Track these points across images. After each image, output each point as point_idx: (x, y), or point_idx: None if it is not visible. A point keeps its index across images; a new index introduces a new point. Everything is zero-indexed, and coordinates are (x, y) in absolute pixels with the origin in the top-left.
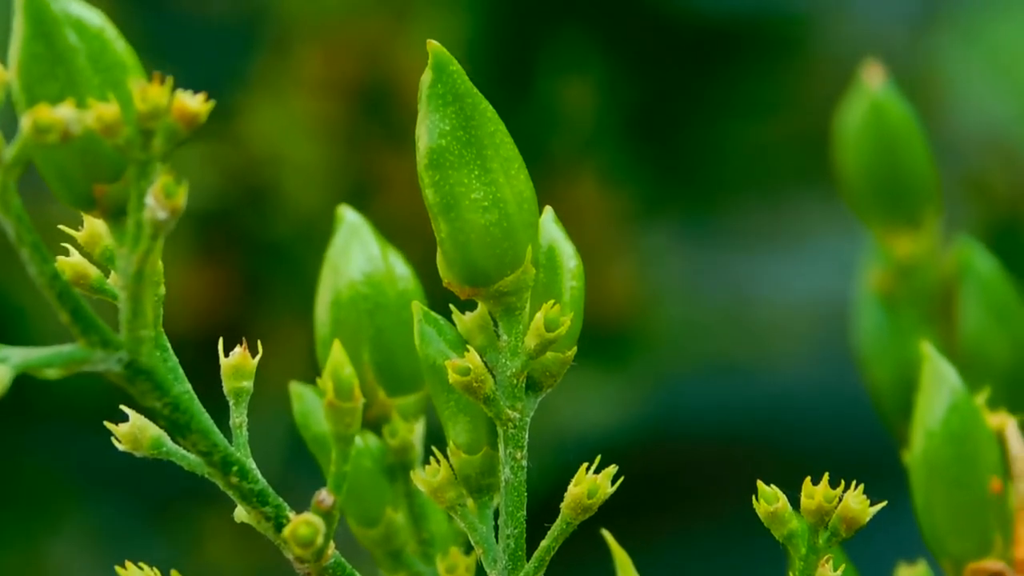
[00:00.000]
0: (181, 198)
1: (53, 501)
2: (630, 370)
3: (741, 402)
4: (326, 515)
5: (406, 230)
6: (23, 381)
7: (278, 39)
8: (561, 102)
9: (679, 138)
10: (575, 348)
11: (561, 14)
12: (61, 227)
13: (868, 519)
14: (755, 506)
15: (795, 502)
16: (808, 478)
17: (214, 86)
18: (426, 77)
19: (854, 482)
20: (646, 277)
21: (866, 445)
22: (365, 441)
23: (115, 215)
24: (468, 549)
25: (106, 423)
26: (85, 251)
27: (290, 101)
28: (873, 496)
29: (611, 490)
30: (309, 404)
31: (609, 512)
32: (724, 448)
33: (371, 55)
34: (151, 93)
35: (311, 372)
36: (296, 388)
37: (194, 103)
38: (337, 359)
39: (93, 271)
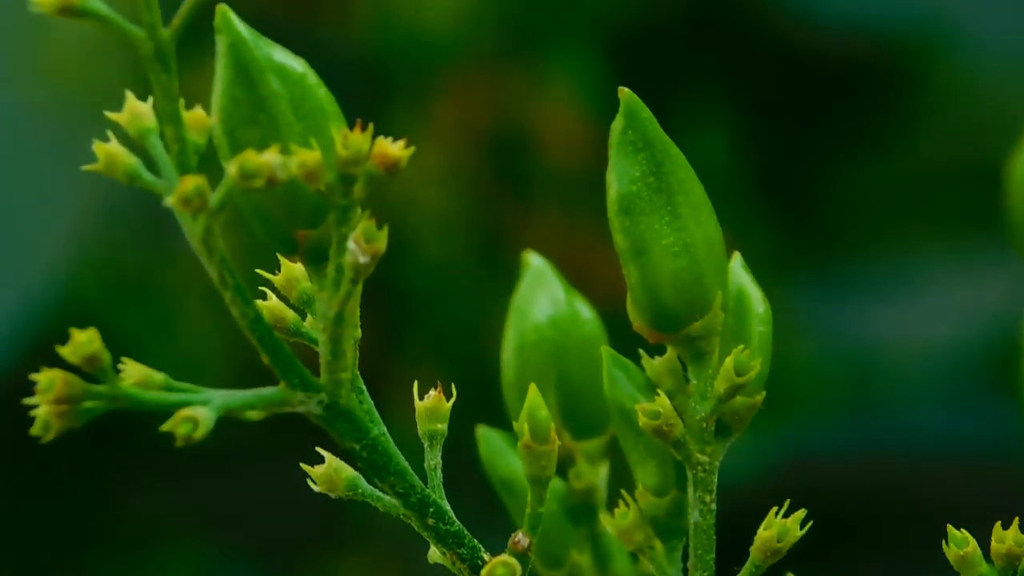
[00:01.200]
0: (382, 242)
1: (159, 543)
2: (761, 417)
3: (870, 447)
4: (521, 556)
5: None
6: (130, 419)
7: (412, 87)
8: (693, 155)
9: (808, 186)
10: (764, 392)
11: (691, 66)
12: (259, 271)
13: None
14: (944, 550)
15: (936, 546)
16: (998, 523)
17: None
18: (617, 123)
19: None
20: (776, 327)
21: (996, 487)
22: (551, 483)
23: (315, 259)
24: None
25: (302, 464)
26: (282, 295)
27: (424, 149)
28: None
29: (800, 533)
30: (495, 446)
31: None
32: (854, 494)
33: (504, 105)
34: (353, 139)
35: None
36: (482, 431)
37: (395, 149)
38: (533, 402)
39: (290, 314)
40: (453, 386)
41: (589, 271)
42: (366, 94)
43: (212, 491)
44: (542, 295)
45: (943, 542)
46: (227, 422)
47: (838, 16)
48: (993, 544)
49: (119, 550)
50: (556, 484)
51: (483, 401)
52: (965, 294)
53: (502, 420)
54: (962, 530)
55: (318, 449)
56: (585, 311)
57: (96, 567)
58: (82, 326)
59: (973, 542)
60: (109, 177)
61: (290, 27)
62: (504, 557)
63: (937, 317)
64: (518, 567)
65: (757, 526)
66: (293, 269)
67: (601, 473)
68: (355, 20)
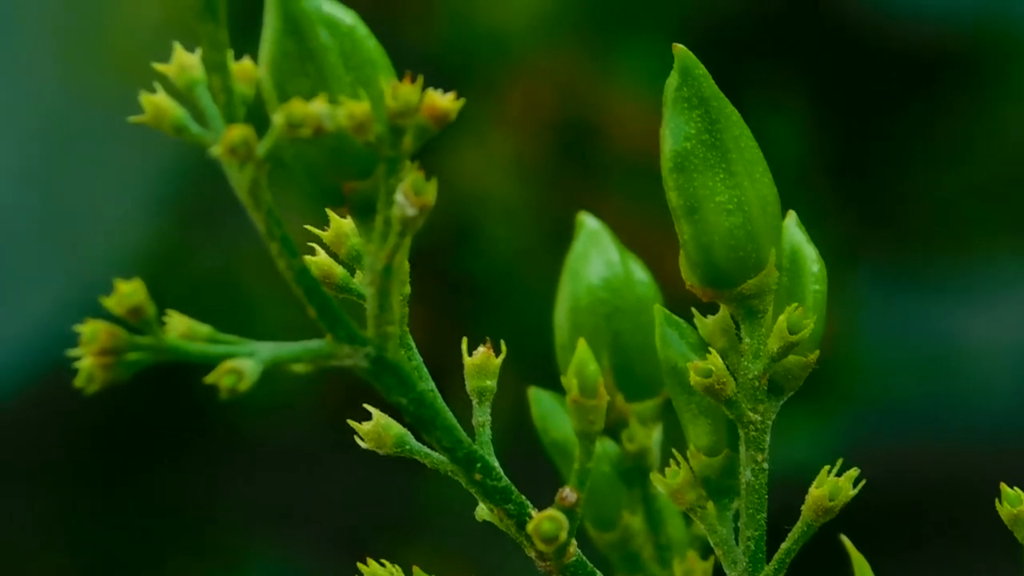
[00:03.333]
0: (431, 195)
1: (243, 537)
2: (830, 409)
3: (938, 442)
4: (569, 512)
5: None
6: (218, 416)
7: (484, 80)
8: (766, 143)
9: (881, 179)
10: (818, 351)
11: (764, 56)
12: (307, 227)
13: None
14: (998, 509)
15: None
16: None
17: None
18: (672, 80)
19: None
20: (846, 317)
21: None
22: (603, 446)
23: (363, 212)
24: (705, 554)
25: (349, 421)
26: (331, 250)
27: (491, 140)
28: None
29: (853, 492)
30: (547, 408)
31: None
32: (922, 488)
33: (572, 93)
34: (402, 91)
35: (510, 409)
36: (534, 392)
37: (444, 101)
38: (582, 357)
39: (339, 270)
40: (503, 343)
41: (658, 259)
42: (438, 87)
43: (291, 488)
44: (596, 257)
45: (995, 501)
46: (306, 417)
47: (916, 7)
48: None
49: (204, 550)
50: (609, 446)
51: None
52: None
53: None
54: (1015, 488)
55: (365, 406)
56: (639, 272)
57: (182, 566)
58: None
59: None
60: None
61: (371, 23)
62: (551, 511)
63: (1008, 316)
64: (565, 521)
65: None
66: (343, 225)
67: (654, 436)
68: (436, 18)
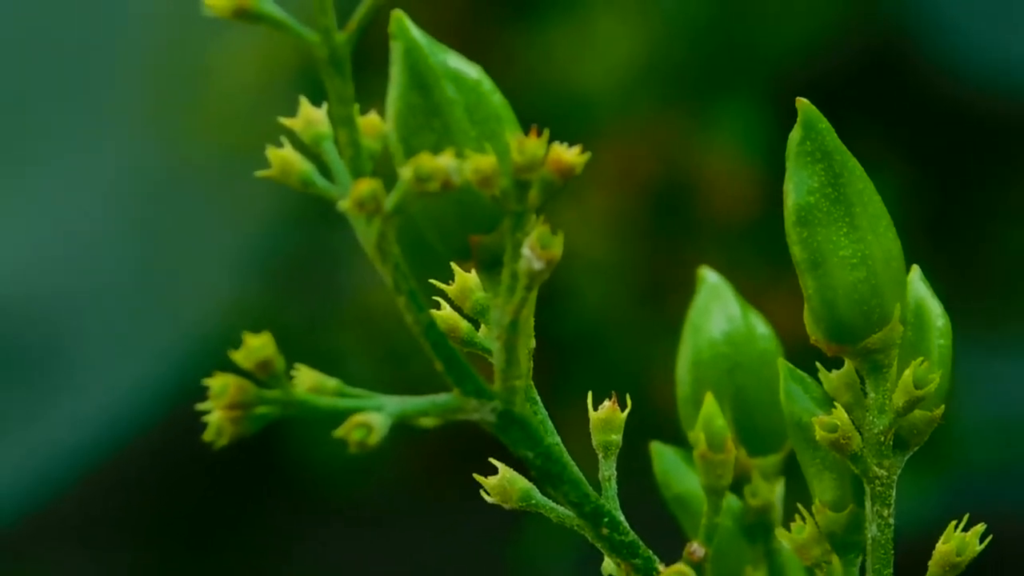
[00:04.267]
0: (558, 248)
1: None
2: (931, 467)
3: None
4: (697, 567)
5: None
6: (293, 474)
7: (575, 136)
8: None
9: (972, 242)
10: (943, 407)
11: (856, 118)
12: (432, 281)
13: None
14: None
15: None
16: None
17: None
18: (795, 134)
19: None
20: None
21: None
22: (726, 501)
23: (489, 266)
24: None
25: (475, 475)
26: (455, 304)
27: (586, 197)
28: None
29: (980, 548)
30: (669, 463)
31: None
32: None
33: (668, 152)
34: (528, 145)
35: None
36: (656, 447)
37: (570, 155)
38: (709, 411)
39: (464, 324)
40: (628, 397)
41: None
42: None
43: (371, 549)
44: (717, 311)
45: None
46: (390, 484)
47: (1004, 75)
48: None
49: None
50: (732, 502)
51: (647, 449)
52: None
53: None
54: None
55: (491, 460)
56: (761, 327)
57: None
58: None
59: None
60: (270, 231)
61: None
62: (680, 567)
63: None
64: None
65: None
66: (467, 279)
67: (777, 490)
68: (519, 74)
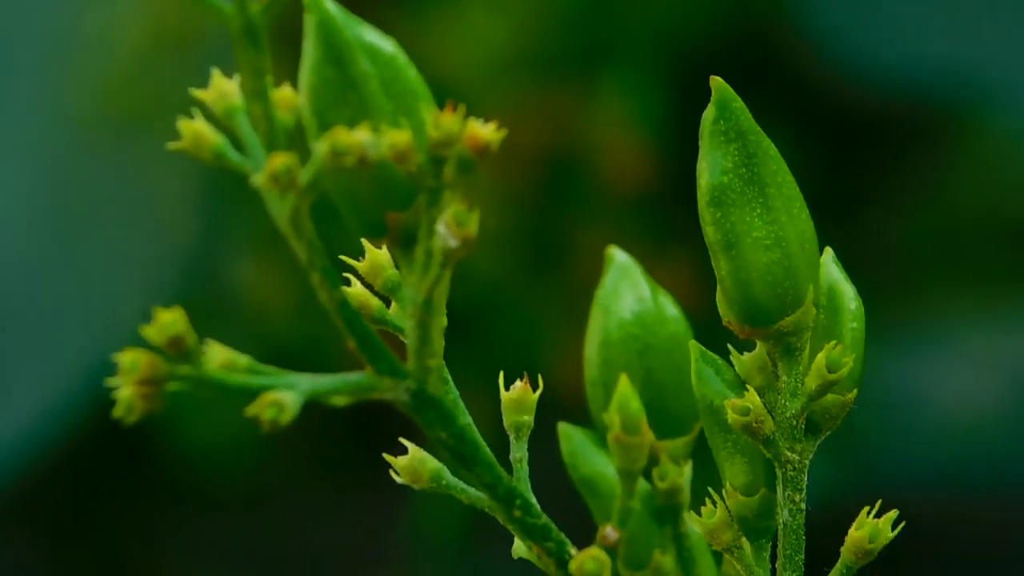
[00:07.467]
0: (473, 226)
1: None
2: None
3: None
4: (611, 551)
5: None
6: (169, 462)
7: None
8: None
9: (841, 233)
10: (856, 391)
11: (744, 82)
12: (342, 257)
13: None
14: None
15: None
16: None
17: None
18: (709, 113)
19: None
20: None
21: None
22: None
23: (405, 243)
24: None
25: (384, 455)
26: (366, 282)
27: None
28: None
29: (892, 535)
30: (577, 444)
31: None
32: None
33: (555, 126)
34: (444, 121)
35: (492, 438)
36: (564, 428)
37: (486, 131)
38: (624, 393)
39: (375, 301)
40: (540, 378)
41: None
42: None
43: (247, 531)
44: (627, 291)
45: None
46: (266, 463)
47: (879, 69)
48: None
49: None
50: (641, 485)
51: (539, 418)
52: (991, 348)
53: (557, 439)
54: None
55: (401, 440)
56: (671, 308)
57: None
58: None
59: None
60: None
61: None
62: (594, 550)
63: (962, 369)
64: (608, 561)
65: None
66: (378, 256)
67: (686, 473)
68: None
